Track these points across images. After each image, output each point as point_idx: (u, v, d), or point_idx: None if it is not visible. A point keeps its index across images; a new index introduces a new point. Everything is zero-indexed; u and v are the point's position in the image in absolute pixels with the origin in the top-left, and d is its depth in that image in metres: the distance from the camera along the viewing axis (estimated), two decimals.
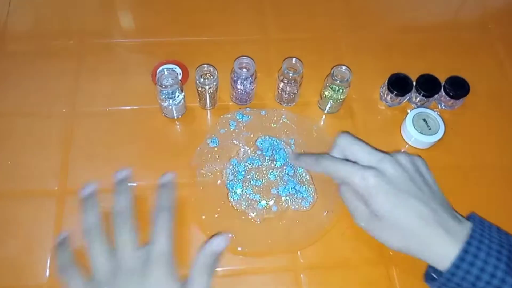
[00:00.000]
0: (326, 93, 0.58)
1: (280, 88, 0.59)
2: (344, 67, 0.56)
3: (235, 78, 0.57)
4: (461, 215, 0.45)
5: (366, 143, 0.47)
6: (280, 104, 0.62)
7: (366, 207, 0.45)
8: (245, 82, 0.57)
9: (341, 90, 0.57)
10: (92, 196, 0.45)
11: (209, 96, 0.57)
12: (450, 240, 0.42)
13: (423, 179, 0.46)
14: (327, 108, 0.61)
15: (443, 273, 0.42)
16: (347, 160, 0.47)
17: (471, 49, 0.70)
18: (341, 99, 0.59)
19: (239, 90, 0.58)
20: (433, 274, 0.45)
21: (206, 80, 0.55)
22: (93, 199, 0.45)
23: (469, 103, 0.63)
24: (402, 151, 0.52)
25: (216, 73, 0.55)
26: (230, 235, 0.48)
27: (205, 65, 0.56)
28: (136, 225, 0.44)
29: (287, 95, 0.59)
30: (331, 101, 0.59)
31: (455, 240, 0.42)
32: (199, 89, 0.56)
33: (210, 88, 0.56)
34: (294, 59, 0.56)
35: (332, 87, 0.58)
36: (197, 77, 0.55)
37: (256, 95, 0.61)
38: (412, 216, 0.43)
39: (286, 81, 0.57)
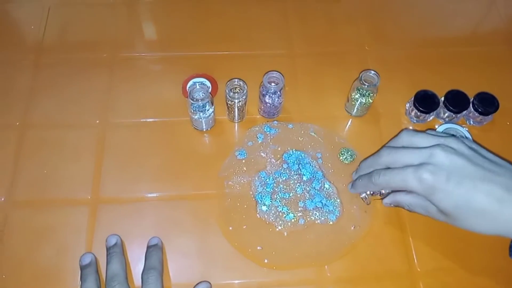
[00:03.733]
0: (354, 95, 0.59)
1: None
2: (372, 72, 0.57)
3: (263, 92, 0.58)
4: None
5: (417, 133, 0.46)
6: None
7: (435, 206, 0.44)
8: (273, 96, 0.58)
9: (368, 94, 0.58)
10: (91, 264, 0.49)
11: (238, 109, 0.59)
12: None
13: (484, 158, 0.43)
14: (354, 111, 0.62)
15: None
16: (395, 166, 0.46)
17: (499, 64, 0.69)
18: (369, 103, 0.59)
19: (267, 104, 0.59)
20: None
21: (236, 94, 0.56)
22: (92, 267, 0.49)
23: (498, 119, 0.63)
24: (448, 135, 0.47)
25: (246, 88, 0.57)
26: (210, 284, 0.50)
27: (236, 80, 0.57)
28: (129, 287, 0.48)
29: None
30: (358, 104, 0.60)
31: None
32: (229, 102, 0.57)
33: (239, 102, 0.57)
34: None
35: (361, 91, 0.58)
36: (227, 91, 0.57)
37: (283, 109, 0.62)
38: (483, 201, 0.40)
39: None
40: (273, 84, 0.57)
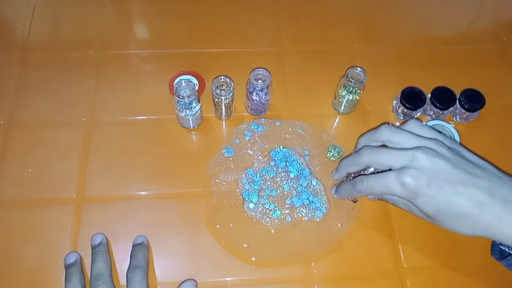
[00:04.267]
0: (341, 92, 0.59)
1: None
2: (359, 69, 0.57)
3: (251, 89, 0.58)
4: None
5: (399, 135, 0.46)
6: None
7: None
8: (260, 93, 0.58)
9: (355, 91, 0.58)
10: (76, 264, 0.49)
11: (225, 106, 0.58)
12: None
13: (466, 160, 0.43)
14: (342, 108, 0.62)
15: None
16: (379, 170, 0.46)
17: (486, 62, 0.70)
18: (355, 100, 0.60)
19: (254, 101, 0.59)
20: (503, 248, 0.44)
21: (223, 91, 0.56)
22: (77, 266, 0.48)
23: (484, 116, 0.63)
24: (432, 137, 0.46)
25: (233, 85, 0.56)
26: (196, 282, 0.49)
27: (222, 77, 0.57)
28: (114, 286, 0.47)
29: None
30: (345, 101, 0.60)
31: None
32: (215, 100, 0.57)
33: (226, 99, 0.57)
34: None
35: (347, 88, 0.58)
36: (213, 88, 0.56)
37: (271, 106, 0.62)
38: (464, 205, 0.40)
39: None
40: (260, 81, 0.57)
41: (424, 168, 0.41)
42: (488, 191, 0.40)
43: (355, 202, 0.55)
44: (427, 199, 0.41)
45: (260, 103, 0.59)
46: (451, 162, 0.42)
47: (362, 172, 0.51)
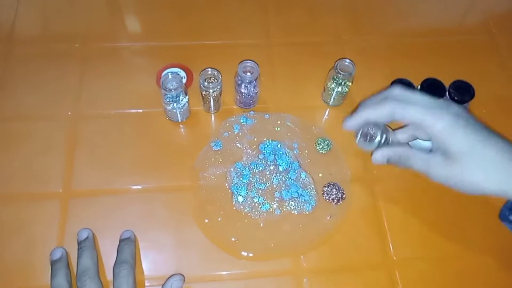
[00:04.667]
0: (330, 85, 0.59)
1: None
2: (347, 61, 0.57)
3: (239, 82, 0.57)
4: None
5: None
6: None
7: (441, 155, 0.43)
8: (249, 86, 0.57)
9: (344, 83, 0.58)
10: (62, 259, 0.48)
11: (213, 99, 0.58)
12: None
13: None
14: (331, 101, 0.62)
15: None
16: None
17: (475, 53, 0.69)
18: (345, 92, 0.59)
19: (243, 94, 0.58)
20: None
21: (210, 84, 0.55)
22: (63, 262, 0.48)
23: (474, 107, 0.63)
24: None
25: (220, 77, 0.56)
26: (183, 277, 0.49)
27: (209, 69, 0.56)
28: (101, 282, 0.47)
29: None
30: (334, 93, 0.60)
31: None
32: (203, 92, 0.57)
33: (214, 91, 0.56)
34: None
35: (336, 80, 0.58)
36: (201, 81, 0.56)
37: (260, 99, 0.61)
38: (500, 150, 0.42)
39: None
40: (248, 73, 0.56)
41: (457, 112, 0.43)
42: None
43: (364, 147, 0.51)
44: (462, 134, 0.42)
45: (248, 95, 0.58)
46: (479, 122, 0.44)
47: (369, 134, 0.49)
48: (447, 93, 0.60)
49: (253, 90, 0.58)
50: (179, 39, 0.67)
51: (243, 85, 0.57)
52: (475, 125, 0.43)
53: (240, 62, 0.56)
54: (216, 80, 0.56)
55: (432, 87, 0.60)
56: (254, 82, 0.57)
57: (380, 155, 0.50)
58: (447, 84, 0.60)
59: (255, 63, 0.56)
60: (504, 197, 0.43)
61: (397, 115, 0.44)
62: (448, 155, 0.43)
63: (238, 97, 0.60)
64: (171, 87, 0.54)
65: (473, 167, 0.42)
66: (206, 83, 0.56)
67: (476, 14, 0.74)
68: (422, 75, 0.61)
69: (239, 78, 0.57)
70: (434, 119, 0.42)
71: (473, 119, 0.44)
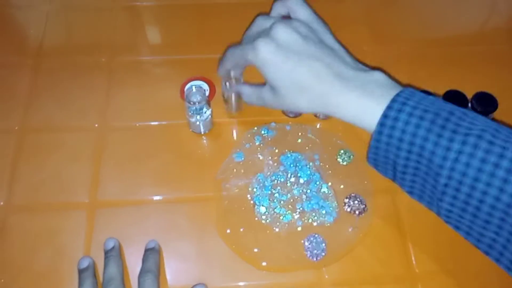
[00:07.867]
0: None
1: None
2: None
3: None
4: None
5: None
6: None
7: (268, 86, 0.47)
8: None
9: None
10: (89, 268, 0.49)
11: (235, 97, 0.58)
12: (349, 90, 0.42)
13: (319, 39, 0.46)
14: None
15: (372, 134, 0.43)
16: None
17: (498, 64, 0.69)
18: None
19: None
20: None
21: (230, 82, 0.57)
22: (90, 271, 0.49)
23: (497, 119, 0.62)
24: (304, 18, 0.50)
25: (242, 79, 0.57)
26: (206, 286, 0.50)
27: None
28: None
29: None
30: None
31: (357, 90, 0.42)
32: (225, 93, 0.57)
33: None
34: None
35: None
36: (222, 83, 0.57)
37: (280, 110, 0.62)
38: (306, 74, 0.43)
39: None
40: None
41: (277, 38, 0.44)
42: (328, 65, 0.43)
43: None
44: (274, 67, 0.44)
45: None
46: (305, 38, 0.45)
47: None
48: (469, 104, 0.60)
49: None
50: (201, 52, 0.69)
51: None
52: (288, 50, 0.44)
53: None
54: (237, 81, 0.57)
55: (453, 99, 0.59)
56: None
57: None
58: (469, 94, 0.60)
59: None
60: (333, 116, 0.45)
61: (231, 67, 0.52)
62: (270, 84, 0.46)
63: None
64: (195, 100, 0.55)
65: (286, 94, 0.45)
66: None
67: (498, 22, 0.74)
68: (443, 86, 0.61)
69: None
70: (251, 55, 0.45)
71: (291, 41, 0.44)
